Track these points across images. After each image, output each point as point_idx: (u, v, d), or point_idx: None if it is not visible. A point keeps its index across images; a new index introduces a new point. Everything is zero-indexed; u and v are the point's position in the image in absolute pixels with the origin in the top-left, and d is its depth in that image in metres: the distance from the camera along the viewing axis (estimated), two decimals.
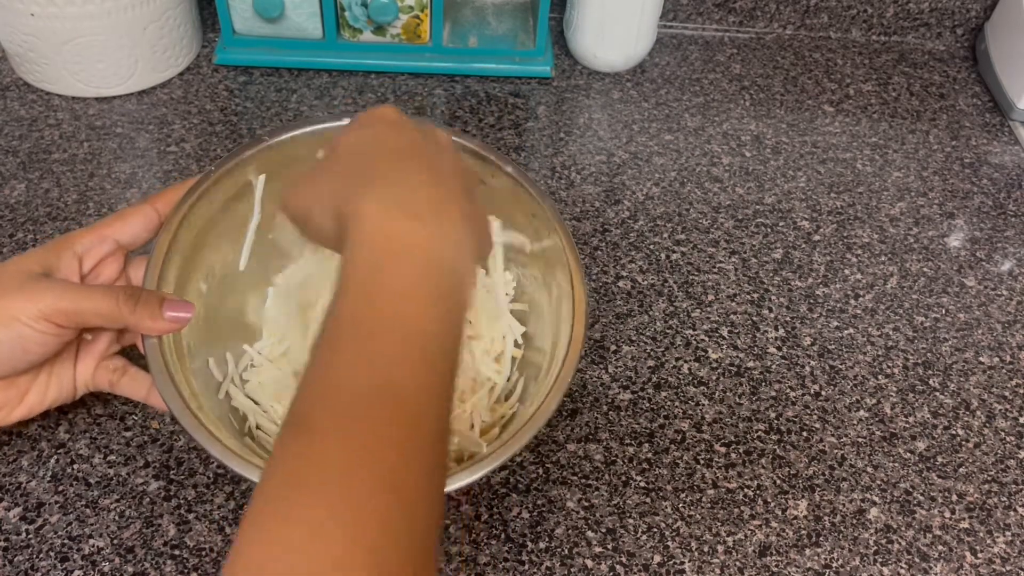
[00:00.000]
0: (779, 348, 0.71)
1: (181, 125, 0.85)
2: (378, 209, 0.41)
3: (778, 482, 0.62)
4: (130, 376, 0.56)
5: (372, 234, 0.40)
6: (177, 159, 0.81)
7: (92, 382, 0.56)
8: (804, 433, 0.66)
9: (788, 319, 0.73)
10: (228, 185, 0.58)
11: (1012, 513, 0.62)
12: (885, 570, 0.58)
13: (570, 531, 0.59)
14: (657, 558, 0.58)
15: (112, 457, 0.60)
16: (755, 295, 0.75)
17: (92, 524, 0.57)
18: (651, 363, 0.69)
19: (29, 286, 0.50)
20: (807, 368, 0.70)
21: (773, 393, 0.68)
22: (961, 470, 0.64)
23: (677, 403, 0.67)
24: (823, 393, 0.68)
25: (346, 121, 0.60)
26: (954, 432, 0.67)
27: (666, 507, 0.60)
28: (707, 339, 0.71)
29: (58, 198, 0.76)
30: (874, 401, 0.68)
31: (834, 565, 0.58)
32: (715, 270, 0.77)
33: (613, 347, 0.70)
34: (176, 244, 0.55)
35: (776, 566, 0.58)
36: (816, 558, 0.59)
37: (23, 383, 0.54)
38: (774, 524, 0.60)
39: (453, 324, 0.40)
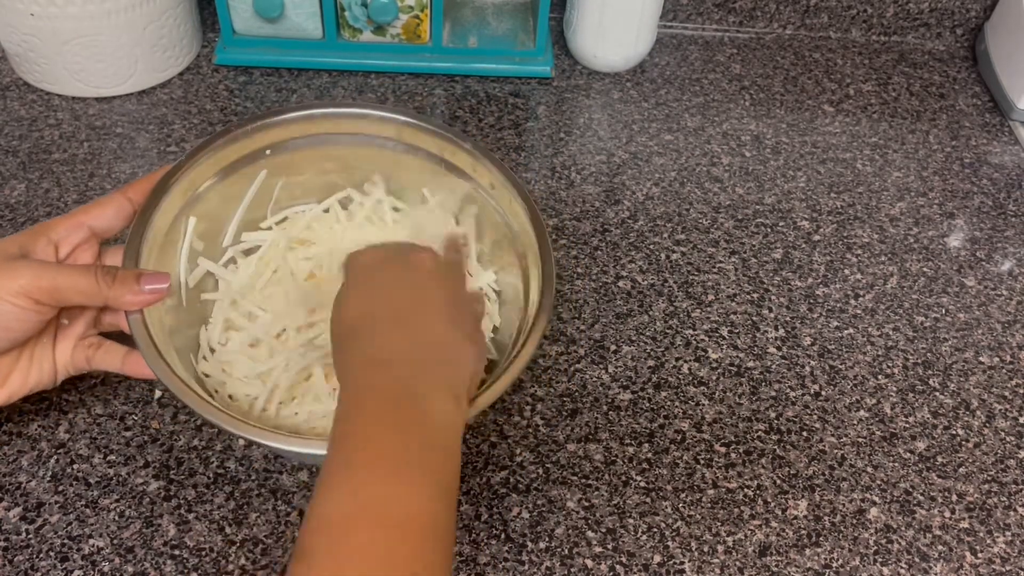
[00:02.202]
0: (779, 348, 0.71)
1: (181, 125, 0.85)
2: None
3: (778, 482, 0.62)
4: (104, 349, 0.57)
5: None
6: (177, 159, 0.81)
7: (72, 363, 0.57)
8: (804, 433, 0.66)
9: (788, 319, 0.73)
10: (200, 173, 0.60)
11: (1012, 513, 0.62)
12: (885, 570, 0.58)
13: (570, 531, 0.59)
14: (657, 558, 0.58)
15: (112, 457, 0.60)
16: (755, 295, 0.75)
17: (92, 524, 0.57)
18: (651, 363, 0.69)
19: (8, 265, 0.51)
20: (807, 368, 0.70)
21: (773, 393, 0.68)
22: (961, 470, 0.64)
23: (677, 403, 0.66)
24: (823, 393, 0.68)
25: (316, 112, 0.63)
26: (954, 432, 0.67)
27: (666, 507, 0.60)
28: (707, 339, 0.71)
29: (58, 198, 0.76)
30: (874, 401, 0.68)
31: (834, 565, 0.58)
32: (715, 270, 0.77)
33: (613, 347, 0.70)
34: (150, 230, 0.56)
35: (776, 566, 0.58)
36: (816, 558, 0.59)
37: (4, 366, 0.54)
38: (774, 524, 0.60)
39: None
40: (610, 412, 0.65)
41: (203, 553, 0.56)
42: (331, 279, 0.64)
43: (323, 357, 0.60)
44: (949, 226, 0.83)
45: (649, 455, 0.63)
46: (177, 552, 0.56)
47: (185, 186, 0.59)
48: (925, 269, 0.79)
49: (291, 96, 0.89)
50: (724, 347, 0.71)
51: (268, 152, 0.63)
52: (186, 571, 0.55)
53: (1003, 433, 0.67)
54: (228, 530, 0.57)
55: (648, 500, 0.60)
